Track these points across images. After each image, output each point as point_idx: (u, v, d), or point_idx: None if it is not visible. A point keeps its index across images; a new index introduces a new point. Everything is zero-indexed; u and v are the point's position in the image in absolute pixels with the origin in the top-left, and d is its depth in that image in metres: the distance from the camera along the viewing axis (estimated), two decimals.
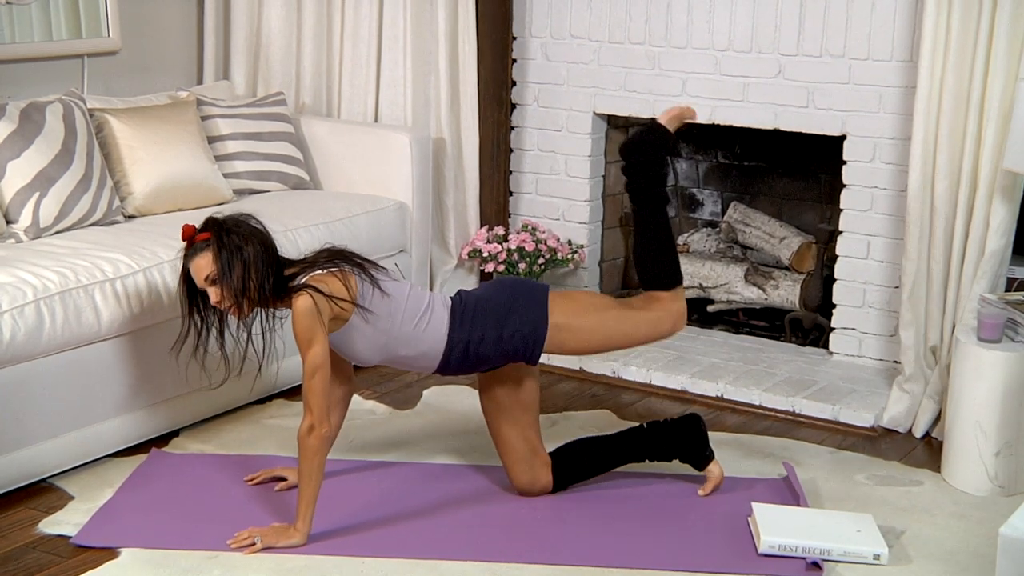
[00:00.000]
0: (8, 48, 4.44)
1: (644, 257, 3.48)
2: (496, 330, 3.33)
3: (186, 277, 3.28)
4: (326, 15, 5.13)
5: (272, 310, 3.34)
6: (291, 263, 3.30)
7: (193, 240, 3.24)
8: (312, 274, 3.23)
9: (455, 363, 3.38)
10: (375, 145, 4.87)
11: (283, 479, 3.59)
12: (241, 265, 3.18)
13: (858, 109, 4.46)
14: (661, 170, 3.48)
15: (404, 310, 3.32)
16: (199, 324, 3.32)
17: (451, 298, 3.43)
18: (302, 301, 3.17)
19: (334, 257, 3.30)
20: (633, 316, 3.44)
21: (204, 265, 3.21)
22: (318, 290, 3.18)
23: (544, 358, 3.65)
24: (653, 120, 3.55)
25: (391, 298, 3.31)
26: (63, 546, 3.25)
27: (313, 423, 3.17)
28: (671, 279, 3.46)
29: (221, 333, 3.34)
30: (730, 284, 5.04)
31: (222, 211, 3.34)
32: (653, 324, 3.46)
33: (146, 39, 4.94)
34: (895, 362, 4.47)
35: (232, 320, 3.33)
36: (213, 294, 3.22)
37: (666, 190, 3.49)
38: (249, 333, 3.33)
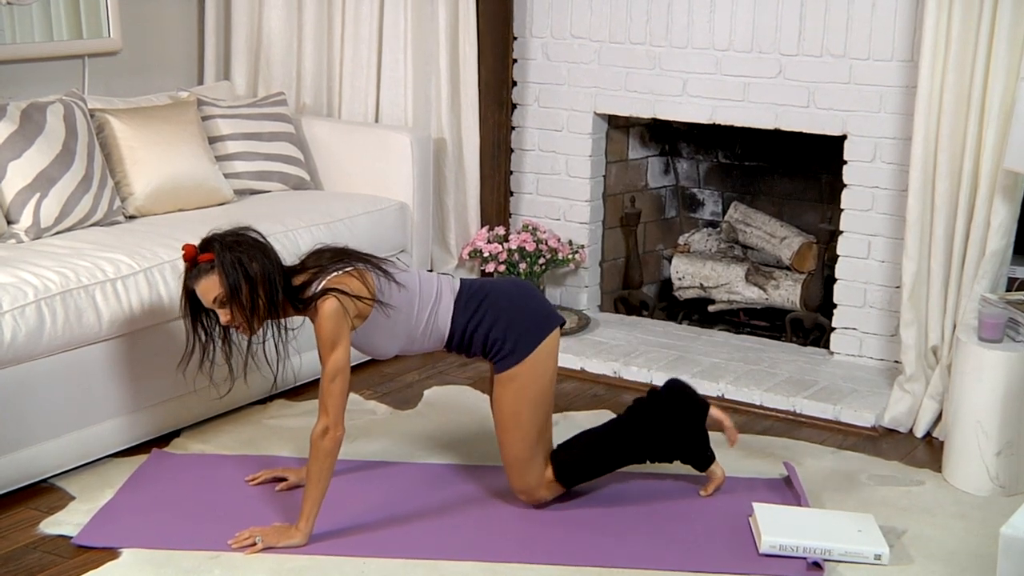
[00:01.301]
0: (9, 48, 4.44)
1: (588, 443, 3.49)
2: (488, 326, 3.34)
3: (188, 294, 3.25)
4: (327, 15, 5.13)
5: (283, 321, 3.33)
6: (298, 270, 3.28)
7: (196, 261, 3.20)
8: (328, 277, 3.22)
9: (456, 344, 3.41)
10: (376, 145, 4.87)
11: (284, 479, 3.60)
12: (248, 284, 3.16)
13: (859, 109, 4.46)
14: (673, 425, 3.50)
15: (419, 299, 3.33)
16: (204, 338, 3.30)
17: (462, 280, 3.43)
18: (329, 304, 3.16)
19: (342, 256, 3.29)
20: (536, 455, 3.40)
21: (210, 287, 3.17)
22: (342, 291, 3.18)
23: None
24: (709, 404, 3.57)
25: (407, 289, 3.32)
26: (64, 546, 3.25)
27: (328, 425, 3.16)
28: (568, 476, 3.45)
29: (228, 344, 3.32)
30: (731, 284, 5.04)
31: (220, 225, 3.27)
32: (525, 474, 3.40)
33: (147, 39, 4.94)
34: (896, 362, 4.47)
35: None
36: (223, 315, 3.20)
37: (653, 449, 3.51)
38: (248, 344, 3.30)
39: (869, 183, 4.48)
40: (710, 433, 3.66)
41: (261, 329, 3.26)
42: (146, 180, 4.31)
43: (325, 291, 3.18)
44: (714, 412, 3.58)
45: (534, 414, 3.37)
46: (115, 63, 4.80)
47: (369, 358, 3.53)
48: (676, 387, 3.58)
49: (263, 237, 3.27)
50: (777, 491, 3.65)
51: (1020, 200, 3.93)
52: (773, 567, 3.20)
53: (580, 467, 3.49)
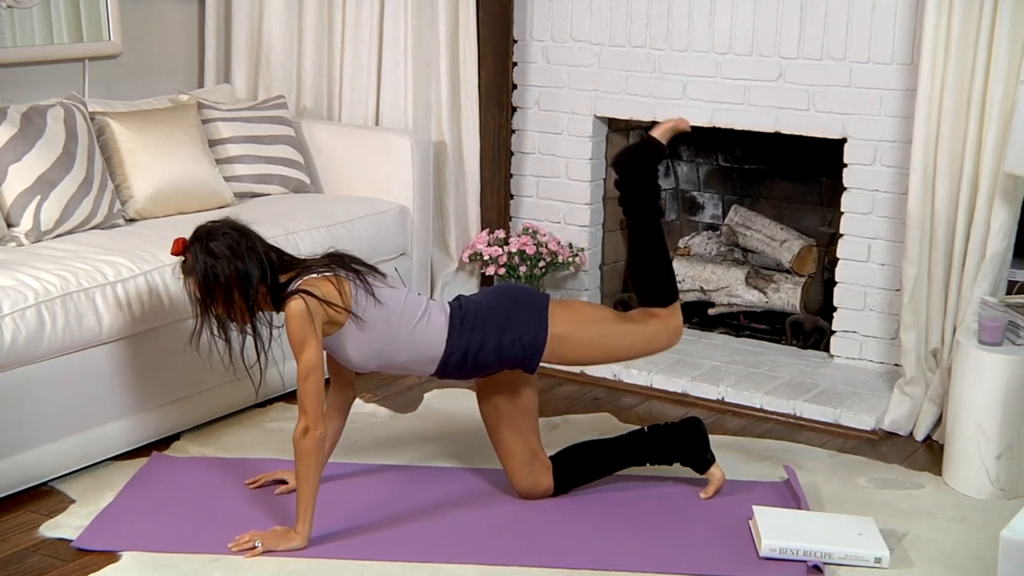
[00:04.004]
0: (9, 52, 4.44)
1: (639, 273, 3.51)
2: (496, 338, 3.33)
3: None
4: (327, 18, 5.13)
5: (264, 324, 3.33)
6: (289, 266, 3.30)
7: (185, 257, 3.23)
8: (306, 278, 3.24)
9: (452, 368, 3.38)
10: (376, 148, 4.87)
11: (284, 482, 3.59)
12: (221, 289, 3.19)
13: (859, 112, 4.46)
14: (653, 183, 3.51)
15: (400, 318, 3.31)
16: (211, 322, 3.30)
17: (450, 303, 3.43)
18: (294, 304, 3.18)
19: (331, 262, 3.30)
20: (631, 330, 3.45)
21: (193, 286, 3.23)
22: (310, 293, 3.19)
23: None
24: (646, 133, 3.55)
25: (385, 307, 3.31)
26: (64, 549, 3.25)
27: (308, 425, 3.17)
28: (667, 295, 3.47)
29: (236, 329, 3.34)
30: (731, 287, 5.04)
31: (216, 216, 3.31)
32: (650, 339, 3.47)
33: (147, 42, 4.94)
34: (896, 365, 4.47)
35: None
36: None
37: (659, 204, 3.49)
38: (242, 347, 3.31)
39: (869, 186, 4.48)
40: (711, 436, 3.67)
41: (253, 322, 3.27)
42: (146, 183, 4.31)
43: (294, 291, 3.19)
44: (655, 131, 3.55)
45: (602, 327, 3.43)
46: (115, 66, 4.81)
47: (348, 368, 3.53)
48: (694, 425, 3.59)
49: (245, 233, 3.26)
50: (777, 494, 3.65)
51: (1020, 203, 3.93)
52: (773, 570, 3.20)
53: (575, 472, 3.50)
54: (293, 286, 3.22)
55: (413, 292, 3.43)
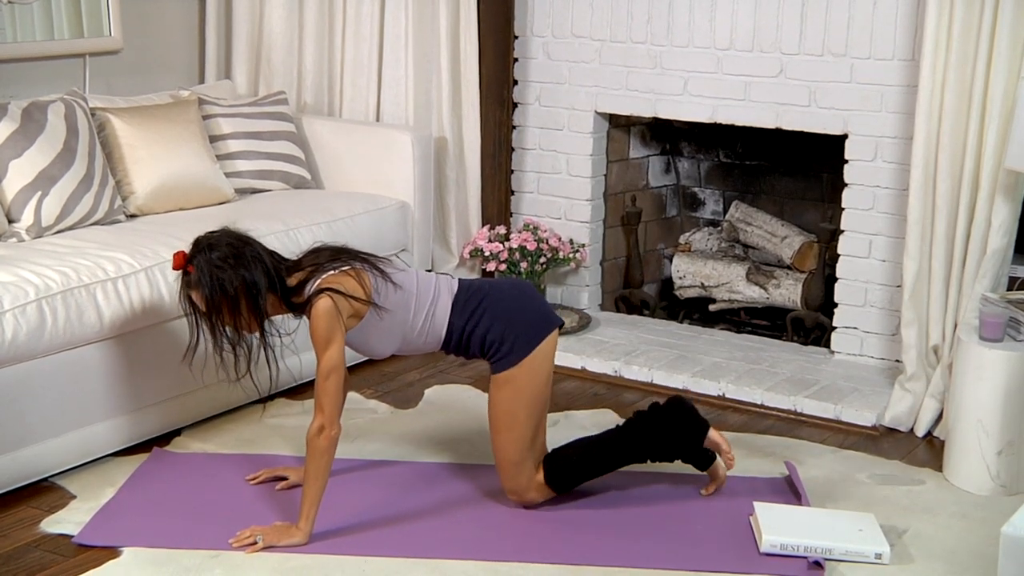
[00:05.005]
0: (10, 47, 4.44)
1: (581, 456, 3.47)
2: (486, 326, 3.34)
3: (188, 295, 3.23)
4: (328, 14, 5.13)
5: (270, 332, 3.31)
6: (294, 269, 3.28)
7: (186, 271, 3.18)
8: (325, 276, 3.22)
9: (454, 345, 3.40)
10: (377, 144, 4.87)
11: (284, 478, 3.59)
12: (228, 301, 3.15)
13: (860, 108, 4.46)
14: (675, 436, 3.49)
15: (416, 301, 3.33)
16: (211, 334, 3.28)
17: (460, 281, 3.42)
18: (322, 303, 3.16)
19: (340, 255, 3.29)
20: (528, 460, 3.39)
21: (198, 300, 3.19)
22: (337, 291, 3.18)
23: None
24: (709, 425, 3.54)
25: (403, 290, 3.31)
26: (65, 545, 3.25)
27: (324, 424, 3.16)
28: (560, 482, 3.44)
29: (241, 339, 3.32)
30: (732, 283, 5.04)
31: (207, 227, 3.27)
32: (516, 475, 3.39)
33: (148, 38, 4.94)
34: (897, 361, 4.47)
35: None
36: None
37: (652, 449, 3.49)
38: (248, 355, 3.29)
39: (870, 182, 4.48)
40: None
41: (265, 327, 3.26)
42: (147, 179, 4.31)
43: (320, 291, 3.18)
44: (713, 435, 3.54)
45: (529, 416, 3.37)
46: (116, 62, 4.81)
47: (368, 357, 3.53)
48: (678, 403, 3.56)
49: (247, 241, 3.22)
50: (778, 490, 3.65)
51: (1021, 199, 3.93)
52: (774, 566, 3.20)
53: (571, 472, 3.47)
54: (311, 286, 3.20)
55: (421, 273, 3.43)
